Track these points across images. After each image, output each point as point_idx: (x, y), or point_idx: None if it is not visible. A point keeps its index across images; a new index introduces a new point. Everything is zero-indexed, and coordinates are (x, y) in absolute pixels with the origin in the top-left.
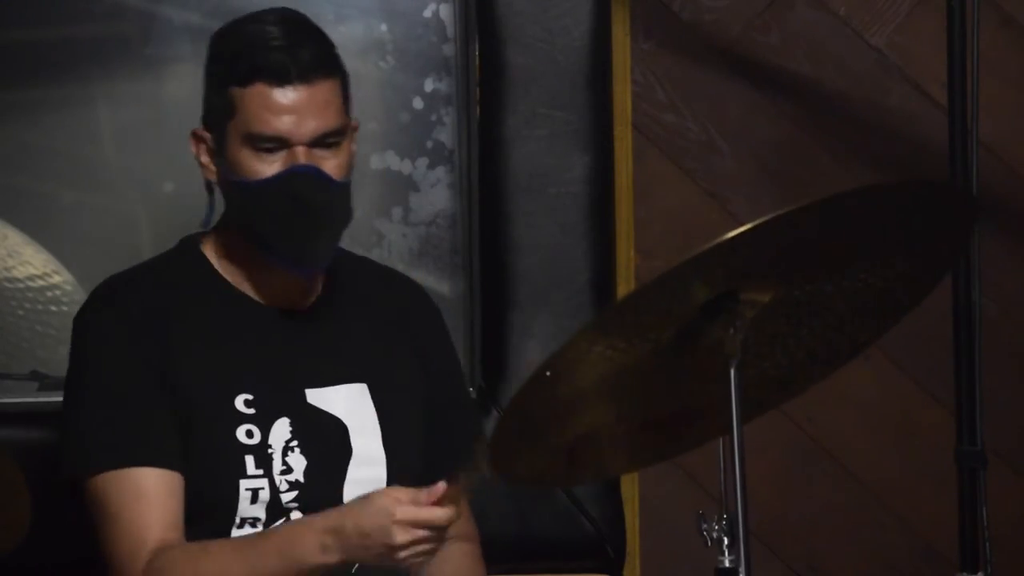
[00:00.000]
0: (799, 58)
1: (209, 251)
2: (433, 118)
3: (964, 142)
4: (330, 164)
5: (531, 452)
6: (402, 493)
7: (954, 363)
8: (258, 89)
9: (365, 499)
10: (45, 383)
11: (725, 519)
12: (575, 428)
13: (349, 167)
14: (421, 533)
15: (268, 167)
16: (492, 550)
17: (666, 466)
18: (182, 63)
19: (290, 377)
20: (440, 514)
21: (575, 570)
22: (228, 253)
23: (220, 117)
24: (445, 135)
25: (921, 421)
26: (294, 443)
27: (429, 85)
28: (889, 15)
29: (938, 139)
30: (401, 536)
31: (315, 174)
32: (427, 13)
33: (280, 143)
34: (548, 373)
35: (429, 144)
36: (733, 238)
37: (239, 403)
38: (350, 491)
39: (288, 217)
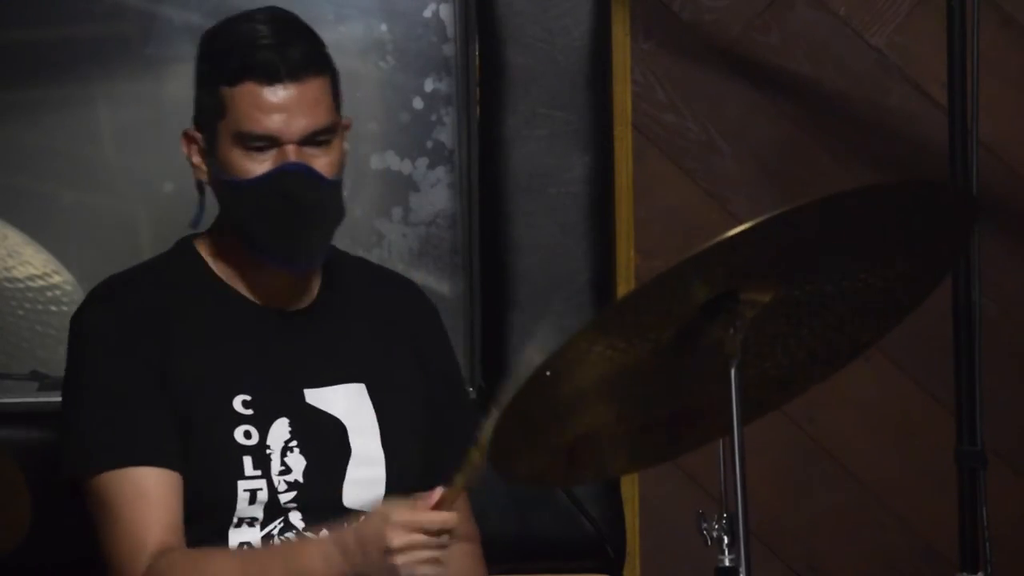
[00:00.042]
0: (799, 58)
1: (204, 252)
2: (433, 118)
3: (964, 142)
4: (321, 162)
5: (531, 452)
6: (401, 501)
7: (954, 363)
8: (248, 88)
9: (369, 512)
10: (45, 383)
11: (725, 519)
12: (575, 428)
13: (340, 165)
14: (417, 537)
15: (259, 166)
16: (492, 550)
17: (666, 466)
18: (182, 63)
19: (289, 377)
20: (436, 517)
21: (575, 570)
22: (223, 253)
23: (210, 117)
24: (445, 135)
25: (921, 421)
26: (293, 443)
27: (429, 85)
28: (889, 15)
29: (938, 139)
30: (396, 539)
31: (306, 172)
32: (427, 13)
33: (270, 142)
34: (548, 373)
35: (429, 144)
36: (733, 237)
37: (237, 404)
38: (349, 491)
39: (279, 216)
